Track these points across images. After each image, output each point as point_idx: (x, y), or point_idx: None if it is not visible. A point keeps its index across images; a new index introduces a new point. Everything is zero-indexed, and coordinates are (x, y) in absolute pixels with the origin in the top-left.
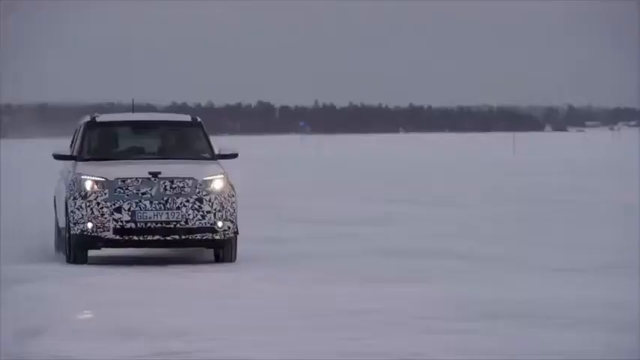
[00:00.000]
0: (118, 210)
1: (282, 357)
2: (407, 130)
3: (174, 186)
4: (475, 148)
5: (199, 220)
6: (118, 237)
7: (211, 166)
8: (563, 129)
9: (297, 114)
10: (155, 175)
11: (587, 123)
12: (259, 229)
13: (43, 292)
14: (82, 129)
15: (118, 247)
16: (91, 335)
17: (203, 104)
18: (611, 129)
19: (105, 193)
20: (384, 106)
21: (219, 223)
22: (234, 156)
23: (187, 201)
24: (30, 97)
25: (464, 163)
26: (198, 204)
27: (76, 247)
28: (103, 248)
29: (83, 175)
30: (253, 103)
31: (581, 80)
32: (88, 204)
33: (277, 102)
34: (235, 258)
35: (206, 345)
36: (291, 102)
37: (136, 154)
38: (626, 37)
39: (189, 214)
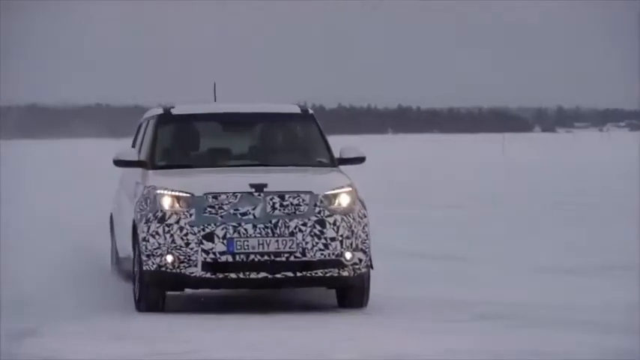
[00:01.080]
0: (209, 237)
1: (280, 357)
2: (395, 131)
3: (285, 203)
4: (465, 148)
5: (321, 250)
6: (209, 275)
7: (334, 174)
8: (552, 130)
9: None
10: (259, 188)
11: (576, 124)
12: None
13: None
14: (151, 125)
15: (208, 288)
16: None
17: None
18: (600, 130)
19: (190, 215)
20: (372, 107)
21: (348, 255)
22: (361, 160)
23: (304, 224)
24: (19, 97)
25: (456, 163)
26: (319, 228)
27: (151, 289)
28: (187, 289)
29: (159, 188)
30: None
31: (570, 81)
32: (167, 229)
33: None
34: (367, 302)
35: (202, 345)
36: None
37: (228, 159)
38: (616, 38)
39: (307, 243)
